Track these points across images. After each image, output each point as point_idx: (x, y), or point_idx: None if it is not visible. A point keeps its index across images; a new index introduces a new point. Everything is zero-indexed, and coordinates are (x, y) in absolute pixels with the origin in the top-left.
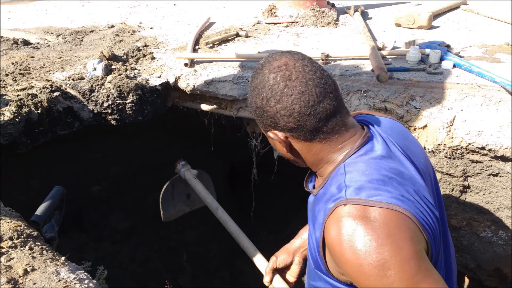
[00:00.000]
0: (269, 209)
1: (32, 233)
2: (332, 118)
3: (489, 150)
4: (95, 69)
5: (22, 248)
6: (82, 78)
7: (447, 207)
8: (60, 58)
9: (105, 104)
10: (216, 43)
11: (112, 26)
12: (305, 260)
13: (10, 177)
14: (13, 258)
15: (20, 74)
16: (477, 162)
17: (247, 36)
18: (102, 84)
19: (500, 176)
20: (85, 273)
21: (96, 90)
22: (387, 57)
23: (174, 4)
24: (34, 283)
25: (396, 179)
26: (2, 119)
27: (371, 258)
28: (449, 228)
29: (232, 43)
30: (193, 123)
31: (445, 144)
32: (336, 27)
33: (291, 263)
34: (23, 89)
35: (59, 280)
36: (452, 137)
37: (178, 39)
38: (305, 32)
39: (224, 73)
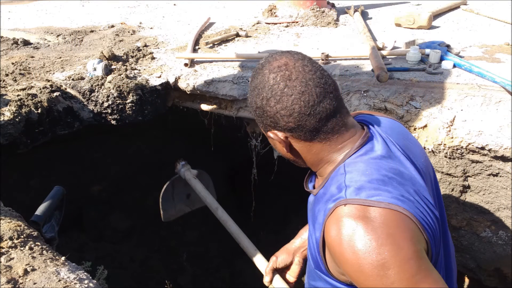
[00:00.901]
0: (269, 209)
1: (32, 233)
2: (332, 118)
3: (489, 150)
4: (95, 69)
5: (22, 248)
6: (82, 78)
7: (447, 207)
8: (60, 58)
9: (105, 104)
10: (216, 43)
11: (112, 26)
12: (305, 260)
13: (10, 177)
14: (13, 258)
15: (20, 74)
16: (477, 162)
17: (247, 36)
18: (102, 84)
19: (500, 176)
20: (85, 273)
21: (96, 90)
22: (387, 57)
23: (174, 4)
24: (34, 283)
25: (396, 179)
26: (2, 119)
27: (371, 258)
28: (449, 228)
29: (232, 43)
30: (193, 123)
31: (445, 144)
32: (336, 27)
33: (291, 263)
34: (23, 89)
35: (59, 280)
36: (452, 137)
37: (178, 39)
38: (305, 32)
39: (224, 73)
